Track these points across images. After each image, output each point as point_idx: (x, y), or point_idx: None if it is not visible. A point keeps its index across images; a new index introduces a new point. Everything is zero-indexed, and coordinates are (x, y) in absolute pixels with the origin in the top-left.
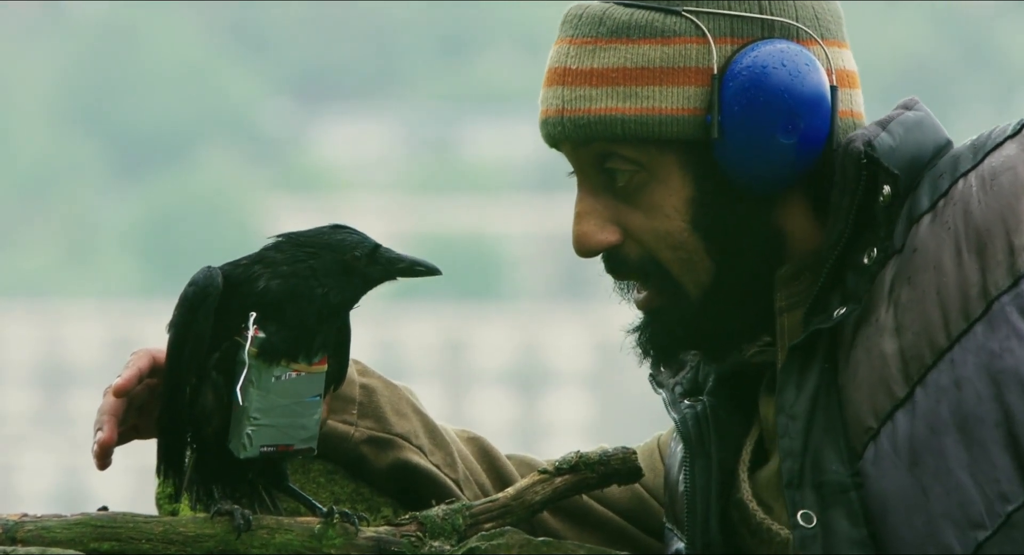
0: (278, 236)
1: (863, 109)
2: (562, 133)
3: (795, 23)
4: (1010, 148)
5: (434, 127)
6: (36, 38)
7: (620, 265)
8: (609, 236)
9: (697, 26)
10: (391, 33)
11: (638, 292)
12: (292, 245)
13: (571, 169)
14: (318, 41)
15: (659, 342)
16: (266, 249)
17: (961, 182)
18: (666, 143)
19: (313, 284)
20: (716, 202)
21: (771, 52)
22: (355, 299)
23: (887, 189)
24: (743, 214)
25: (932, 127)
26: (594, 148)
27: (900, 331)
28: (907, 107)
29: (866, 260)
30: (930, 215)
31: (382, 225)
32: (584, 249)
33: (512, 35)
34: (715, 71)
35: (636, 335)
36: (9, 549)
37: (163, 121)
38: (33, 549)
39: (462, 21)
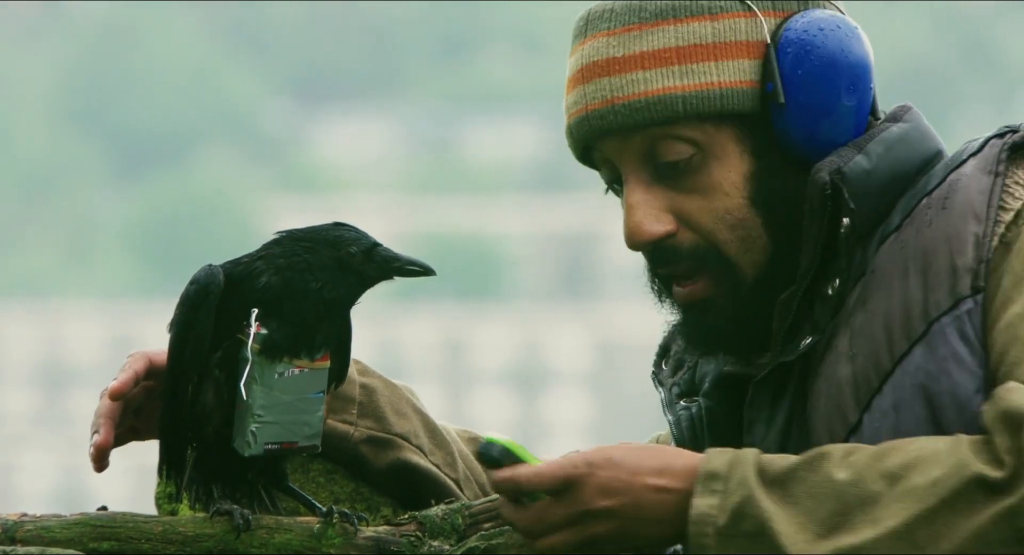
0: (280, 233)
1: None
2: (614, 122)
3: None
4: (969, 166)
5: (434, 127)
6: (36, 38)
7: (671, 255)
8: (665, 225)
9: (742, 1)
10: (391, 33)
11: (681, 286)
12: (290, 240)
13: (604, 177)
14: (318, 41)
15: (704, 333)
16: (267, 245)
17: (925, 200)
18: (724, 118)
19: (308, 278)
20: (773, 175)
21: (822, 16)
22: (352, 297)
23: (846, 221)
24: (798, 184)
25: (919, 139)
26: (647, 134)
27: (854, 356)
28: (895, 118)
29: (830, 290)
30: (894, 235)
31: (382, 225)
32: (638, 241)
33: (512, 35)
34: (768, 40)
35: (681, 328)
36: (8, 549)
37: (163, 121)
38: (32, 549)
39: (462, 21)
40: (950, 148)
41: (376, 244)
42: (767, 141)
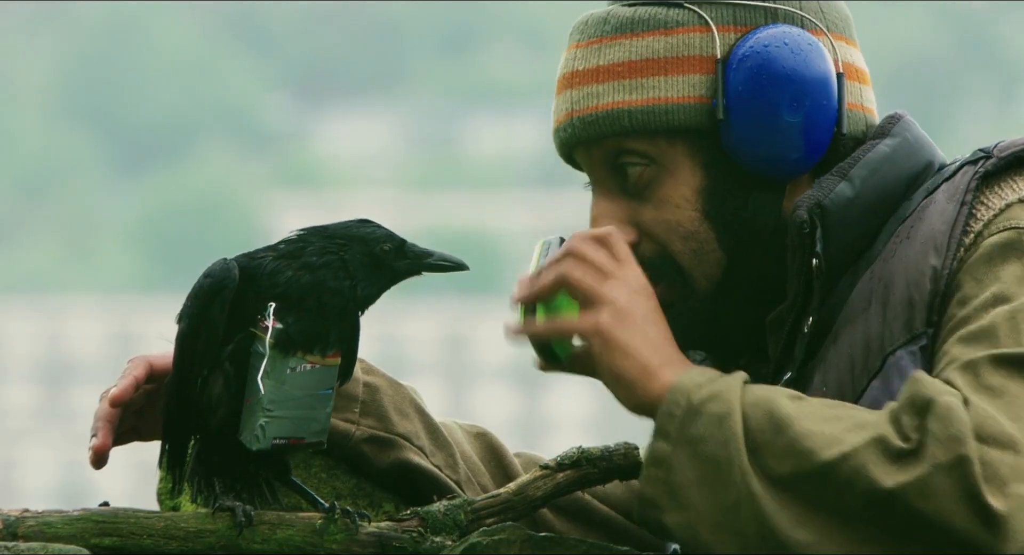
0: (302, 230)
1: (875, 107)
2: (573, 135)
3: (799, 12)
4: (939, 193)
5: (436, 122)
6: (35, 33)
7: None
8: (626, 236)
9: (700, 15)
10: (393, 28)
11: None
12: (320, 237)
13: (587, 179)
14: (320, 36)
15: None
16: (289, 241)
17: (900, 227)
18: (674, 133)
19: (342, 276)
20: (726, 190)
21: (774, 34)
22: (380, 294)
23: (816, 262)
24: (754, 202)
25: (907, 155)
26: (605, 146)
27: (825, 391)
28: (884, 132)
29: (806, 328)
30: (871, 265)
31: (384, 220)
32: None
33: (515, 30)
34: (719, 56)
35: None
36: (10, 544)
37: (164, 116)
38: (34, 544)
39: (465, 16)
40: (950, 150)
41: (404, 240)
42: (718, 156)
